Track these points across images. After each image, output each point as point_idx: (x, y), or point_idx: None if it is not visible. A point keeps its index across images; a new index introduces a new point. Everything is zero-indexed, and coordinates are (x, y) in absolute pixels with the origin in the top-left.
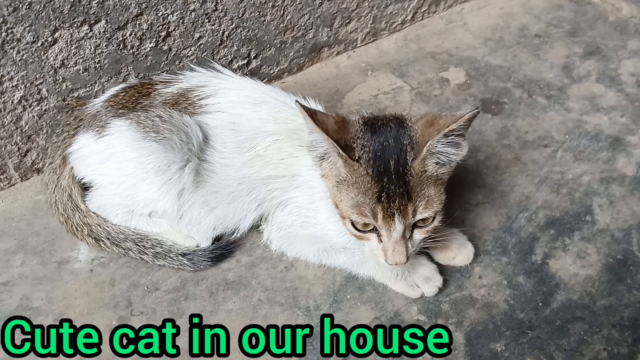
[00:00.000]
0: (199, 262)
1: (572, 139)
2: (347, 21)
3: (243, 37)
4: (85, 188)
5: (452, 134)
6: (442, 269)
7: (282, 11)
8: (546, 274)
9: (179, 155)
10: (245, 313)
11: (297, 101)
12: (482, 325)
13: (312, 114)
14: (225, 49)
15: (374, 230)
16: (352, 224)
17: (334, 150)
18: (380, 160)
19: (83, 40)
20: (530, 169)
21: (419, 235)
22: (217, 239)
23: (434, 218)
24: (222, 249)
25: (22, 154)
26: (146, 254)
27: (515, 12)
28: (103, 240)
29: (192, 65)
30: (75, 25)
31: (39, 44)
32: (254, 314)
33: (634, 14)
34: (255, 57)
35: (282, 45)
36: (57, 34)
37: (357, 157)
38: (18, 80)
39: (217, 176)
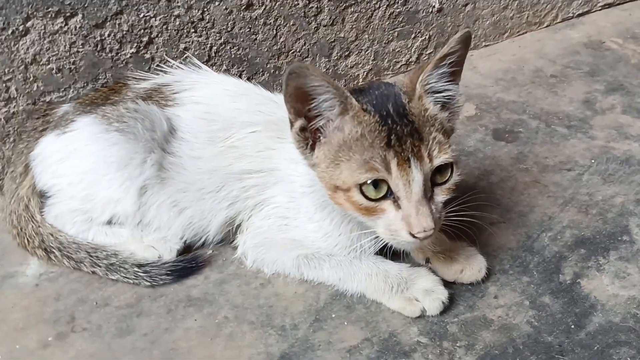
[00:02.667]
0: (157, 276)
1: (599, 163)
2: (347, 53)
3: (233, 56)
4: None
5: (444, 64)
6: (449, 288)
7: (274, 31)
8: (578, 294)
9: (142, 145)
10: (206, 331)
11: (296, 62)
12: (499, 349)
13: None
14: (214, 67)
15: (388, 196)
16: (362, 192)
17: (346, 99)
18: (380, 106)
19: (57, 35)
20: (552, 191)
21: (440, 195)
22: (185, 252)
23: (451, 171)
24: (187, 262)
25: None
26: (99, 266)
27: (528, 57)
28: (54, 252)
29: (170, 60)
30: (50, 15)
31: (9, 32)
32: (217, 333)
33: None
34: (247, 81)
35: (277, 72)
36: (29, 23)
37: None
38: None
39: (186, 171)
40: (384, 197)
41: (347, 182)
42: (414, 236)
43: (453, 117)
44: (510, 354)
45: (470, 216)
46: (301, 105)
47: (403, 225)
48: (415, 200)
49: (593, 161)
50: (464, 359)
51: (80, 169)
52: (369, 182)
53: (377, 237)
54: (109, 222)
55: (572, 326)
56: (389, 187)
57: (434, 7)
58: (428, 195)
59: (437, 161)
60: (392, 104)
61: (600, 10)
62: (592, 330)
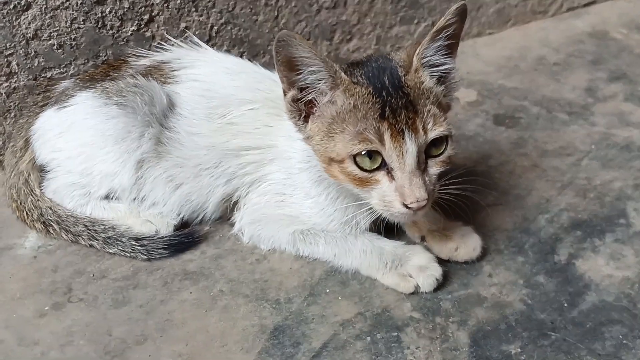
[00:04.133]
0: (154, 250)
1: (599, 149)
2: (349, 37)
3: (234, 36)
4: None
5: (440, 37)
6: (444, 266)
7: (276, 12)
8: (572, 274)
9: (140, 118)
10: (201, 304)
11: (286, 32)
12: (491, 325)
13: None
14: (215, 47)
15: (382, 167)
16: (356, 163)
17: (335, 75)
18: (374, 78)
19: (59, 10)
20: (551, 175)
21: (434, 167)
22: (182, 228)
23: (446, 144)
24: (184, 236)
25: None
26: (97, 239)
27: (532, 45)
28: (52, 225)
29: (170, 38)
30: None
31: (11, 6)
32: (212, 305)
33: None
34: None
35: None
36: None
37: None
38: None
39: (183, 147)
40: (378, 168)
41: (341, 153)
42: (407, 207)
43: (449, 92)
44: (502, 330)
45: (467, 196)
46: (292, 75)
47: (396, 196)
48: (409, 171)
49: (593, 147)
50: (457, 334)
51: (79, 142)
52: (363, 152)
53: (371, 210)
54: (107, 197)
55: (565, 305)
56: (383, 159)
57: None
58: (422, 167)
59: (432, 134)
60: (387, 76)
61: (605, 1)
62: (585, 308)
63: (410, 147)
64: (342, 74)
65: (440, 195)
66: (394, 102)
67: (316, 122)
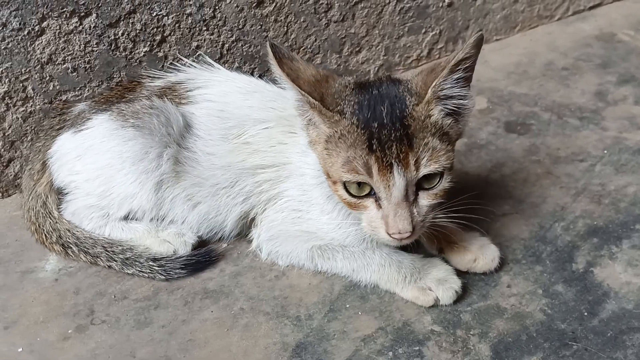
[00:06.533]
0: (172, 270)
1: (612, 153)
2: (357, 49)
3: (245, 53)
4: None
5: (459, 69)
6: (462, 278)
7: (285, 28)
8: (591, 282)
9: (157, 139)
10: (222, 322)
11: (268, 41)
12: (512, 336)
13: (280, 58)
14: (226, 64)
15: (371, 194)
16: (345, 188)
17: (304, 99)
18: (367, 107)
19: (72, 35)
20: (565, 182)
21: (425, 199)
22: (200, 246)
23: (441, 177)
24: (201, 256)
25: (4, 164)
26: (115, 260)
27: (540, 50)
28: (71, 247)
29: (183, 58)
30: (65, 15)
31: (26, 32)
32: (233, 324)
33: None
34: (259, 78)
35: None
36: (44, 23)
37: (337, 110)
38: (2, 73)
39: (200, 166)
40: (367, 195)
41: (334, 175)
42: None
43: (463, 121)
44: (523, 341)
45: (482, 207)
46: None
47: (382, 224)
48: (395, 203)
49: (605, 152)
50: (478, 346)
51: (97, 165)
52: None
53: None
54: (126, 217)
55: (585, 313)
56: (372, 187)
57: (444, 1)
58: (411, 198)
59: (424, 170)
60: (387, 105)
61: (611, 2)
62: (605, 317)
63: (398, 181)
64: (323, 108)
65: (457, 215)
66: (385, 134)
67: (315, 131)
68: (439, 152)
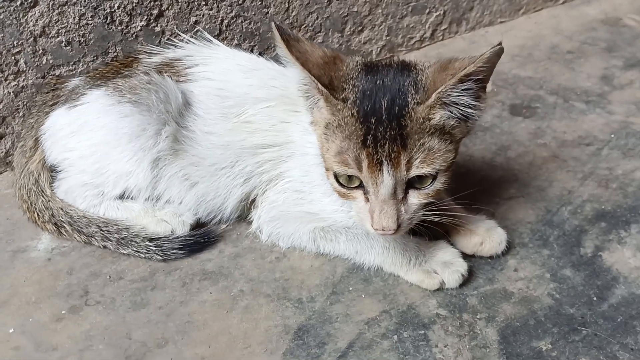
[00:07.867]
0: (169, 251)
1: (619, 138)
2: (360, 28)
3: (244, 30)
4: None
5: (470, 79)
6: (468, 261)
7: (286, 4)
8: (599, 267)
9: (155, 116)
10: (222, 304)
11: (274, 22)
12: (520, 320)
13: (288, 40)
14: (225, 41)
15: (361, 186)
16: (336, 177)
17: (313, 84)
18: (368, 99)
19: (66, 7)
20: (572, 166)
21: (415, 198)
22: (198, 227)
23: (434, 178)
24: (200, 236)
25: None
26: (110, 240)
27: (545, 34)
28: (64, 226)
29: (180, 34)
30: None
31: (18, 3)
32: (233, 306)
33: None
34: (259, 56)
35: None
36: None
37: (342, 97)
38: None
39: (199, 146)
40: (357, 187)
41: (326, 162)
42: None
43: (472, 123)
44: (531, 326)
45: (487, 190)
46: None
47: (368, 217)
48: (381, 200)
49: (612, 136)
50: (485, 330)
51: (92, 142)
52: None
53: None
54: (121, 197)
55: (595, 298)
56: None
57: None
58: (399, 197)
59: (415, 172)
60: (388, 99)
61: None
62: (615, 302)
63: (387, 179)
64: (330, 96)
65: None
66: (381, 131)
67: (319, 114)
68: (435, 154)
